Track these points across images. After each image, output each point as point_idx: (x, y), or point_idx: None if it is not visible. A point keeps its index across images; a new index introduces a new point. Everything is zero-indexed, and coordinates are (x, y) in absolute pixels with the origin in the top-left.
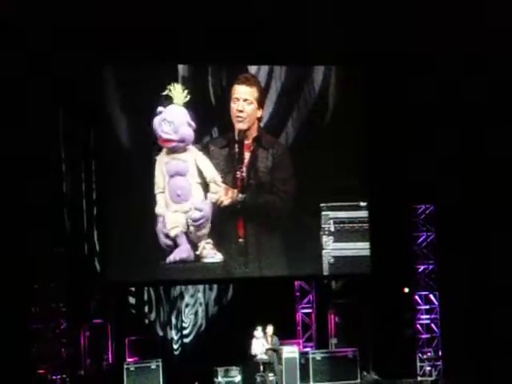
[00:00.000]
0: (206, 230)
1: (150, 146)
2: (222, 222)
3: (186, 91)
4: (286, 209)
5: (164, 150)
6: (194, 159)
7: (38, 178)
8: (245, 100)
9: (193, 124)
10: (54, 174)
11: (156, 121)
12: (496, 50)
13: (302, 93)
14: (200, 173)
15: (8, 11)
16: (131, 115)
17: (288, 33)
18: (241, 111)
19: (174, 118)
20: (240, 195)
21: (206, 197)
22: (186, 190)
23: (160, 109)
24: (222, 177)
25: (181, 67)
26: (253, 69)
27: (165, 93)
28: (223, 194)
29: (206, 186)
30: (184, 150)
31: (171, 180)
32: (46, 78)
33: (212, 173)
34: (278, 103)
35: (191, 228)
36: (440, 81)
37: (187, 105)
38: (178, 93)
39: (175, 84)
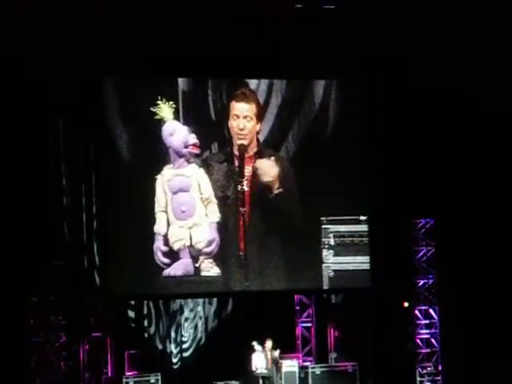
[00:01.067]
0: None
1: (151, 159)
2: (222, 235)
3: (170, 103)
4: (285, 222)
5: (165, 169)
6: (196, 174)
7: (38, 190)
8: (245, 117)
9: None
10: (54, 186)
11: (178, 134)
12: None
13: (302, 107)
14: (200, 189)
15: (8, 21)
16: (132, 129)
17: (289, 46)
18: (242, 129)
19: (184, 127)
20: (241, 209)
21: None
22: (191, 206)
23: (169, 130)
24: (222, 191)
25: (180, 80)
26: (253, 83)
27: (156, 116)
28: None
29: (206, 202)
30: (186, 165)
31: (174, 197)
32: (46, 90)
33: (209, 192)
34: (279, 117)
35: (194, 243)
36: (440, 94)
37: (187, 120)
38: (164, 109)
39: (159, 102)
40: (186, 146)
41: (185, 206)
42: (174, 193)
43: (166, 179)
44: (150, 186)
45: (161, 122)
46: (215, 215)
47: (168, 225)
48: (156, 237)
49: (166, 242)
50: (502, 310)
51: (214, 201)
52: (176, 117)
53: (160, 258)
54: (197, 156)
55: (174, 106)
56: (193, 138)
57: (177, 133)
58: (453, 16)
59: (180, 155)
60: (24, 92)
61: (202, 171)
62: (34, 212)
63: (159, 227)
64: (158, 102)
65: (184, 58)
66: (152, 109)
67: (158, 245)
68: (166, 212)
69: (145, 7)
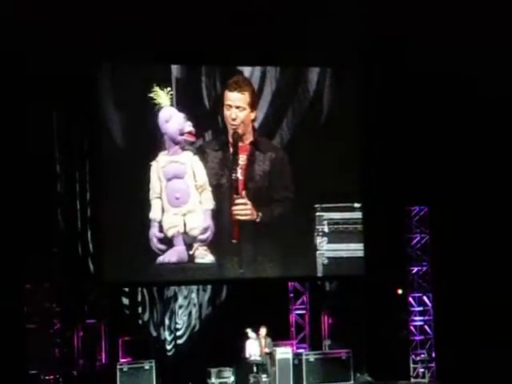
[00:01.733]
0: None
1: (145, 146)
2: (217, 222)
3: (167, 90)
4: (280, 210)
5: (160, 155)
6: (191, 162)
7: (32, 177)
8: (237, 107)
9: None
10: (48, 173)
11: (174, 121)
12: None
13: (296, 94)
14: (195, 176)
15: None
16: (126, 115)
17: (283, 34)
18: (234, 119)
19: (180, 114)
20: (235, 196)
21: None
22: (185, 193)
23: (165, 116)
24: (216, 179)
25: (174, 67)
26: (246, 70)
27: (153, 101)
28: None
29: (201, 189)
30: (180, 152)
31: (169, 183)
32: (40, 78)
33: (204, 179)
34: (273, 104)
35: (188, 229)
36: (435, 83)
37: (181, 107)
38: (161, 95)
39: (156, 88)
40: (182, 134)
41: (179, 193)
42: (169, 179)
43: (160, 165)
44: (145, 172)
45: (156, 107)
46: (210, 202)
47: (163, 211)
48: (151, 223)
49: (161, 228)
50: (495, 296)
51: (209, 188)
52: (171, 104)
53: (156, 245)
54: (191, 143)
55: (170, 92)
56: (189, 126)
57: (173, 120)
58: (451, 2)
59: (175, 142)
60: (18, 80)
61: (196, 158)
62: (28, 199)
63: (154, 214)
64: (155, 88)
65: (178, 44)
66: (149, 94)
67: (154, 231)
68: (160, 198)
69: None
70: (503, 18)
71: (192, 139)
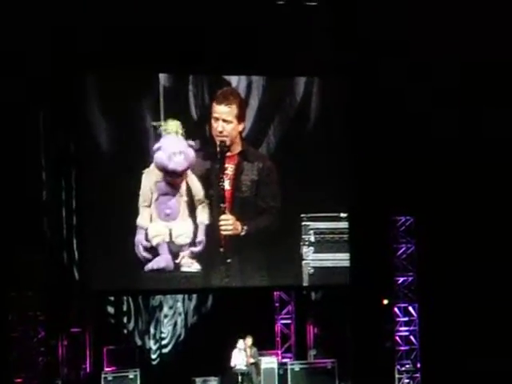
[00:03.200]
0: (188, 239)
1: (132, 153)
2: (202, 230)
3: (179, 123)
4: (266, 219)
5: (153, 166)
6: (186, 178)
7: (18, 185)
8: (224, 121)
9: (193, 143)
10: (34, 181)
11: (161, 155)
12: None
13: (283, 103)
14: (189, 192)
15: None
16: (113, 123)
17: (269, 43)
18: (221, 132)
19: (180, 148)
20: (222, 205)
21: (191, 216)
22: (175, 210)
23: (158, 145)
24: (204, 189)
25: (162, 76)
26: (234, 80)
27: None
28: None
29: (193, 205)
30: None
31: (160, 198)
32: (26, 84)
33: (201, 193)
34: (259, 114)
35: (174, 237)
36: (424, 87)
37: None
38: (171, 125)
39: (169, 121)
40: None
41: (170, 210)
42: (161, 194)
43: (154, 180)
44: (134, 180)
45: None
46: (206, 217)
47: (150, 221)
48: (138, 230)
49: (147, 236)
50: (481, 307)
51: (206, 202)
52: (157, 113)
53: (141, 253)
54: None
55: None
56: (179, 166)
57: (159, 152)
58: (435, 14)
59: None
60: (3, 85)
61: (190, 172)
62: (14, 207)
63: (142, 221)
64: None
65: (165, 53)
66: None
67: (140, 238)
68: (149, 207)
69: (127, 2)
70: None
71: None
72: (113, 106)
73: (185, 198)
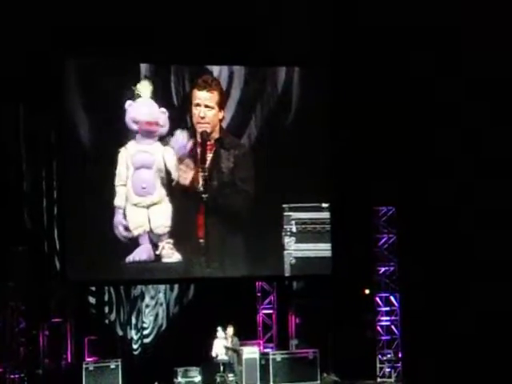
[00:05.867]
0: (167, 230)
1: (112, 143)
2: (182, 221)
3: (152, 86)
4: (247, 208)
5: (130, 143)
6: (162, 153)
7: None
8: (206, 106)
9: (165, 111)
10: (14, 171)
11: (131, 109)
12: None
13: (264, 93)
14: (165, 167)
15: None
16: (93, 113)
17: (250, 33)
18: (203, 117)
19: (148, 105)
20: (202, 195)
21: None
22: (151, 184)
23: (129, 102)
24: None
25: (143, 66)
26: (215, 70)
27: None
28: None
29: (169, 182)
30: (151, 143)
31: (136, 172)
32: (6, 74)
33: (175, 166)
34: (241, 104)
35: (153, 227)
36: (404, 79)
37: None
38: (144, 88)
39: (142, 81)
40: (136, 122)
41: (145, 183)
42: (137, 168)
43: (130, 153)
44: (111, 170)
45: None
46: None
47: (126, 200)
48: (116, 210)
49: (126, 217)
50: (462, 297)
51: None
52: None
53: (122, 233)
54: (161, 139)
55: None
56: (145, 115)
57: (132, 106)
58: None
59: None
60: None
61: (169, 148)
62: None
63: (119, 201)
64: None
65: (147, 43)
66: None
67: (119, 219)
68: (125, 186)
69: None
70: None
71: (150, 129)
72: (93, 95)
73: (161, 174)
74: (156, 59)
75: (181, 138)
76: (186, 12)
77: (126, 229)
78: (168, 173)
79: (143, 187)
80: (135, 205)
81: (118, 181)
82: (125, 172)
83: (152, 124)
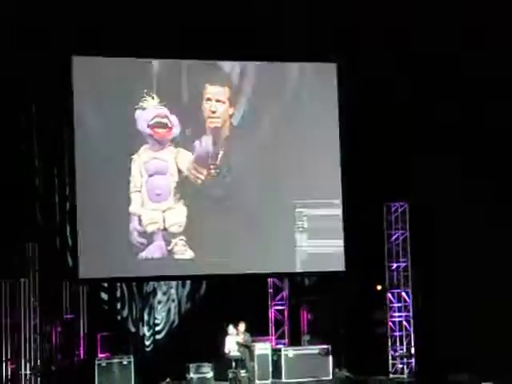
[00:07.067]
0: (181, 228)
1: (125, 139)
2: (195, 219)
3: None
4: (258, 205)
5: (142, 149)
6: (174, 158)
7: (10, 172)
8: (217, 101)
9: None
10: (27, 168)
11: (141, 116)
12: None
13: (276, 90)
14: (178, 170)
15: None
16: (105, 111)
17: (263, 29)
18: (214, 112)
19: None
20: (214, 193)
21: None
22: (166, 190)
23: (139, 112)
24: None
25: (155, 62)
26: (226, 66)
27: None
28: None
29: (182, 184)
30: (163, 148)
31: (150, 179)
32: (19, 72)
33: (188, 167)
34: (252, 101)
35: (167, 226)
36: (415, 73)
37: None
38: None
39: (149, 98)
40: (149, 126)
41: (160, 189)
42: (150, 175)
43: (142, 161)
44: (125, 166)
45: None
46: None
47: (142, 206)
48: (131, 217)
49: (141, 222)
50: (475, 292)
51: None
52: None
53: (136, 239)
54: (172, 140)
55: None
56: (158, 118)
57: (146, 111)
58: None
59: (146, 136)
60: None
61: (182, 150)
62: (7, 194)
63: (134, 207)
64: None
65: (159, 39)
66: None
67: (134, 225)
68: (140, 192)
69: None
70: None
71: (162, 136)
72: (106, 93)
73: (175, 179)
74: (168, 55)
75: (204, 143)
76: (198, 8)
77: (141, 234)
78: (181, 175)
79: (157, 194)
80: (152, 210)
81: (132, 187)
82: (139, 179)
83: (163, 129)
